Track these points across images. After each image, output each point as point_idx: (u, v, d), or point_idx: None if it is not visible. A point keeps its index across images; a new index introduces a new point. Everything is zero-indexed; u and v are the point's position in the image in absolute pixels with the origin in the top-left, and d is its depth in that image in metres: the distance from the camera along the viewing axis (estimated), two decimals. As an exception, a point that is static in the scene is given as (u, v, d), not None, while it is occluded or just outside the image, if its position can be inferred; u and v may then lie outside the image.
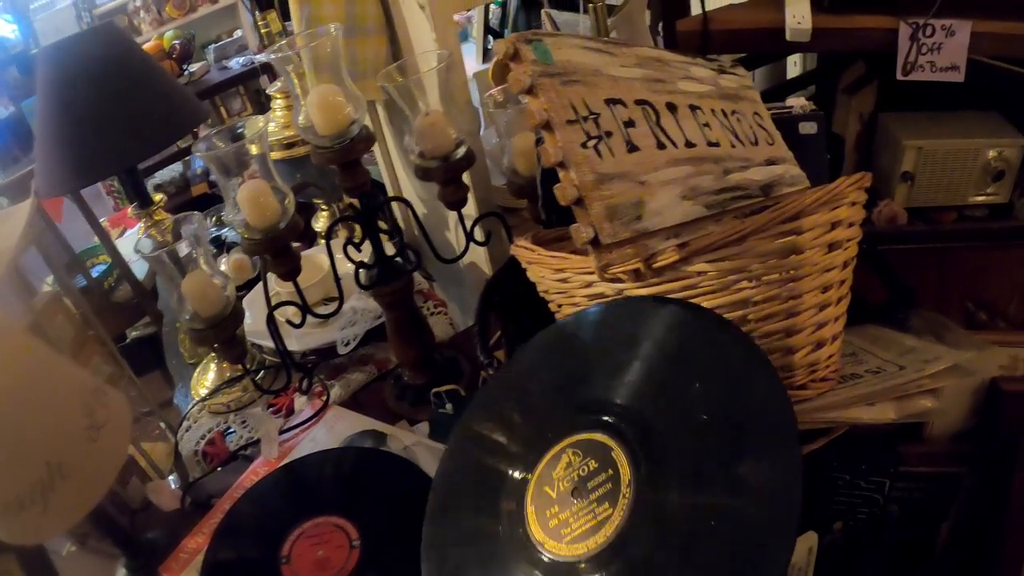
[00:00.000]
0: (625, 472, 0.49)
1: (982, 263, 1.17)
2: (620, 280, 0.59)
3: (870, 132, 1.36)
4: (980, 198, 1.29)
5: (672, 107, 0.64)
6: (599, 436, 0.52)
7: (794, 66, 1.57)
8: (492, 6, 2.28)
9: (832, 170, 1.39)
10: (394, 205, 1.41)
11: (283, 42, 0.85)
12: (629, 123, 0.58)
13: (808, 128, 0.93)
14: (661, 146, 0.60)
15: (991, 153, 1.24)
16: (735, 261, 0.55)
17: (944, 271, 1.18)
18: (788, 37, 1.07)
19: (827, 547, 0.90)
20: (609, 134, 0.55)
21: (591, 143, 0.53)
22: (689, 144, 0.63)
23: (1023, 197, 1.30)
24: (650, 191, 0.55)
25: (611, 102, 0.57)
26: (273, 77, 2.61)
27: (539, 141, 0.54)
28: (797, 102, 0.94)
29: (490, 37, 2.32)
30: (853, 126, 1.34)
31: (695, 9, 1.17)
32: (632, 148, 0.57)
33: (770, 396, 0.48)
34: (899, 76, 1.10)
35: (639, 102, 0.60)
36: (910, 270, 1.17)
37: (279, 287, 1.13)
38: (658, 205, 0.55)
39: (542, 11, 1.80)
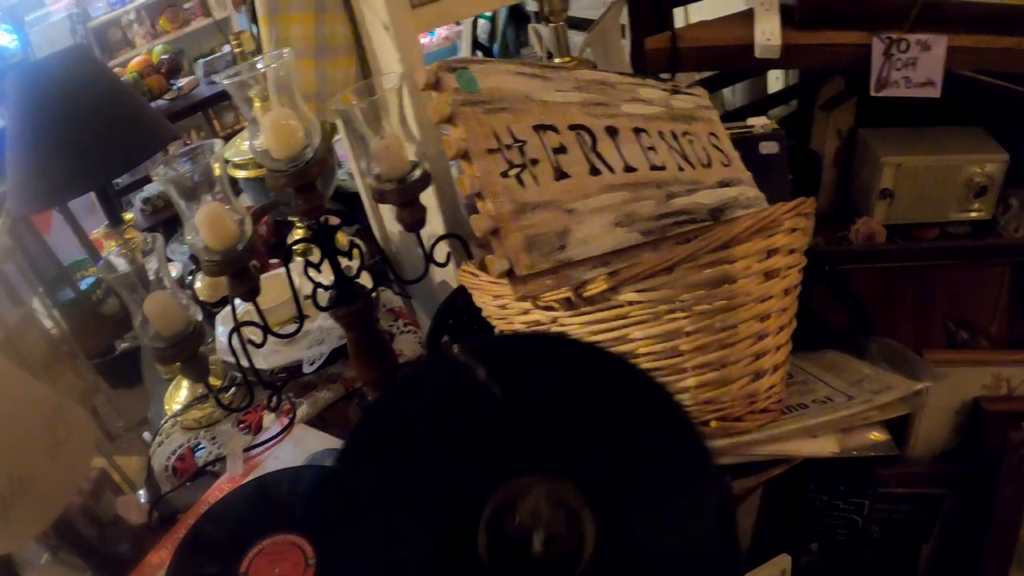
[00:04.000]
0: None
1: (962, 281, 1.15)
2: (553, 308, 0.59)
3: (849, 149, 1.36)
4: (963, 215, 1.28)
5: (612, 131, 0.64)
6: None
7: (776, 81, 1.56)
8: (481, 20, 2.28)
9: (809, 188, 1.39)
10: (371, 222, 1.41)
11: (237, 67, 0.85)
12: (560, 149, 0.57)
13: (769, 148, 0.92)
14: (595, 172, 0.59)
15: (973, 169, 1.23)
16: (665, 291, 0.55)
17: (923, 289, 1.16)
18: (757, 54, 1.06)
19: (803, 569, 0.89)
20: (535, 162, 0.55)
21: (513, 171, 0.52)
22: (629, 168, 0.63)
23: (1007, 213, 1.29)
24: (578, 219, 0.55)
25: (540, 128, 0.57)
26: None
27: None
28: (758, 121, 0.93)
29: (479, 52, 2.32)
30: (831, 143, 1.33)
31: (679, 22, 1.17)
32: (561, 175, 0.56)
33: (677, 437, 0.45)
34: (872, 92, 1.09)
35: (573, 127, 0.60)
36: (888, 289, 1.16)
37: (251, 306, 1.13)
38: (586, 234, 0.55)
39: (529, 25, 1.80)
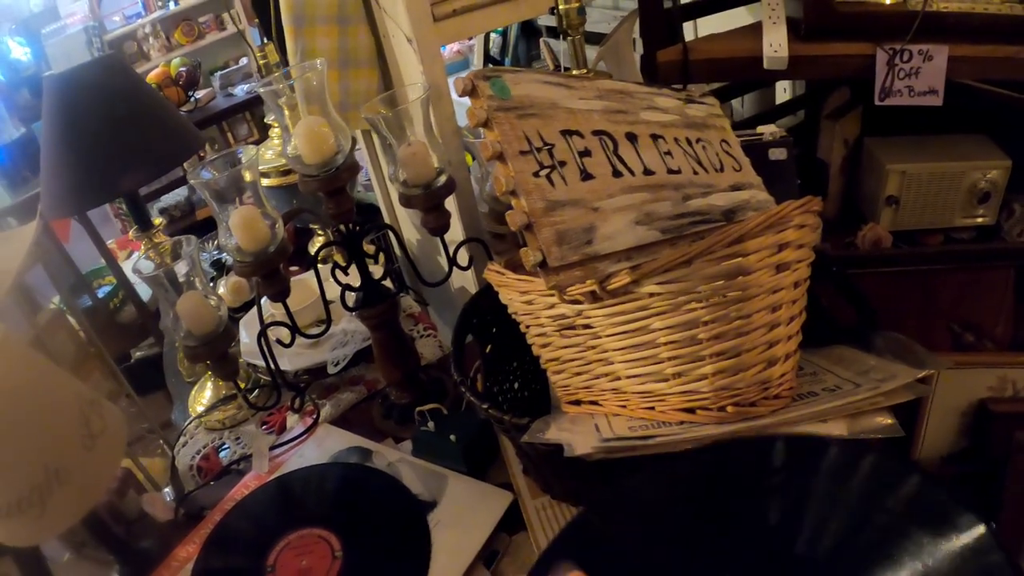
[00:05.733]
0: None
1: (967, 285, 1.18)
2: (579, 302, 0.62)
3: (856, 157, 1.39)
4: (967, 220, 1.31)
5: (632, 136, 0.68)
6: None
7: (784, 92, 1.60)
8: (493, 35, 2.33)
9: (815, 195, 1.42)
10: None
11: (270, 76, 0.89)
12: (585, 153, 0.61)
13: (778, 154, 0.96)
14: (617, 174, 0.63)
15: (977, 175, 1.26)
16: (684, 283, 0.58)
17: (929, 293, 1.19)
18: (765, 65, 1.09)
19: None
20: (563, 163, 0.59)
21: (543, 172, 0.56)
22: (648, 172, 0.66)
23: (1010, 218, 1.32)
24: (603, 217, 0.59)
25: (567, 133, 0.61)
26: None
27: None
28: (767, 129, 0.97)
29: (490, 65, 2.37)
30: (838, 151, 1.36)
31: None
32: (586, 176, 0.60)
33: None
34: (876, 101, 1.12)
35: (596, 132, 0.64)
36: (894, 293, 1.19)
37: (274, 309, 1.17)
38: (610, 230, 0.59)
39: (540, 40, 1.85)
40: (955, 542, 0.49)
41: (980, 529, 0.49)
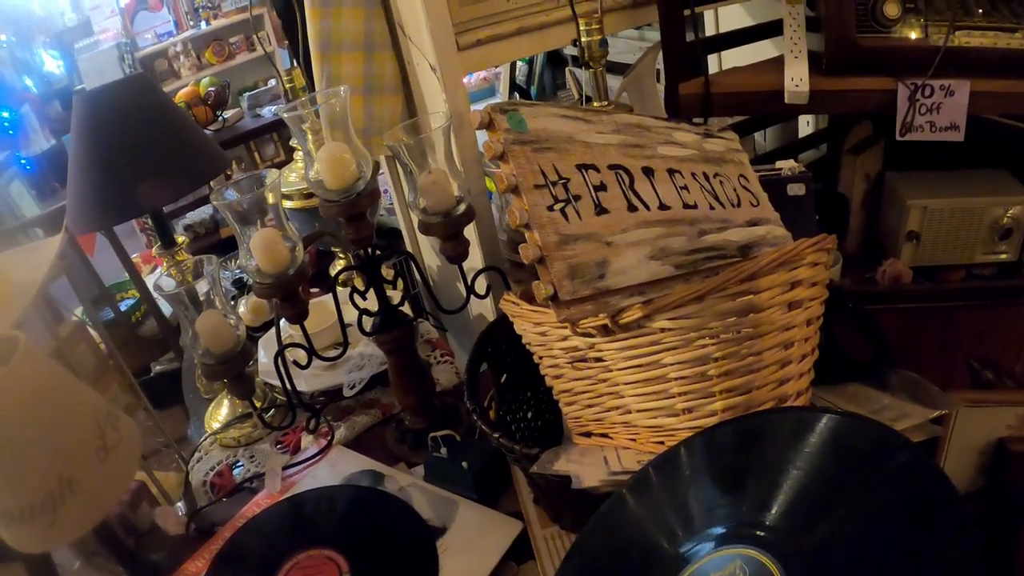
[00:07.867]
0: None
1: (987, 321, 1.17)
2: (591, 335, 0.63)
3: (877, 192, 1.38)
4: (989, 257, 1.30)
5: (649, 171, 0.68)
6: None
7: (807, 126, 1.60)
8: (519, 63, 2.35)
9: (837, 231, 1.41)
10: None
11: (295, 101, 0.90)
12: (600, 187, 0.62)
13: (796, 189, 0.96)
14: (632, 208, 0.63)
15: (998, 211, 1.25)
16: (696, 319, 0.59)
17: (948, 330, 1.18)
18: (787, 99, 1.09)
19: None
20: (578, 197, 0.59)
21: (558, 206, 0.57)
22: (663, 206, 0.67)
23: (1033, 255, 1.31)
24: (616, 251, 0.59)
25: (583, 167, 0.61)
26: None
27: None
28: (786, 164, 0.97)
29: (516, 94, 2.40)
30: (859, 186, 1.36)
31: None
32: (601, 211, 0.60)
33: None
34: (898, 137, 1.12)
35: (613, 167, 0.64)
36: (914, 329, 1.18)
37: (293, 330, 1.18)
38: (623, 265, 0.59)
39: (567, 69, 1.87)
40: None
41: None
